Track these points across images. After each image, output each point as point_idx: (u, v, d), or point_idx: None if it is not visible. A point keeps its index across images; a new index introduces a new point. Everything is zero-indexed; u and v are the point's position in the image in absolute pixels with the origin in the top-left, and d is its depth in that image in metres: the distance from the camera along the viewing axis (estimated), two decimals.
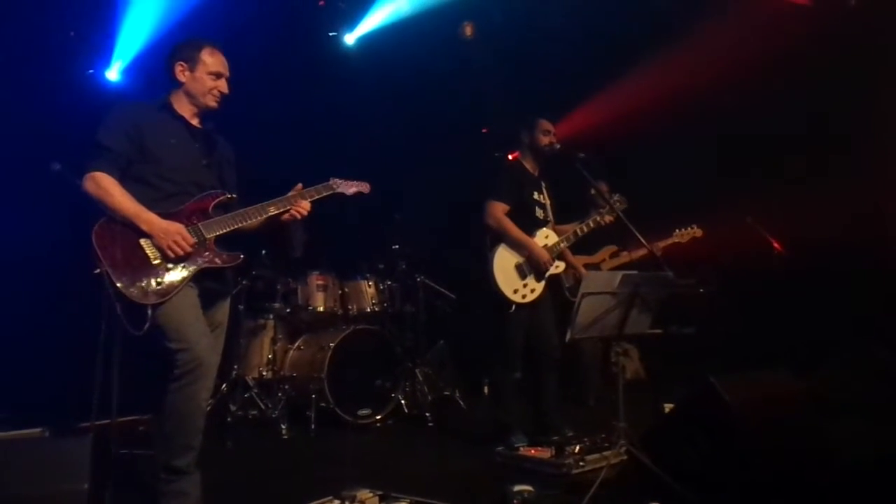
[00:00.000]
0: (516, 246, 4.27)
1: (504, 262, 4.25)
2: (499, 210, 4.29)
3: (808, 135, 5.99)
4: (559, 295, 4.93)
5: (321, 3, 6.84)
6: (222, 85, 3.10)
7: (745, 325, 6.12)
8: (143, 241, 2.81)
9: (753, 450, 2.83)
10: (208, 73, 3.06)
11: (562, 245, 4.38)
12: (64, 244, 3.86)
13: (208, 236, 2.94)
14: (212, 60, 3.07)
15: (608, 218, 4.35)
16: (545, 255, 4.25)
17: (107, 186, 2.83)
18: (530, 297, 4.27)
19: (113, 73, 5.95)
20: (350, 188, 3.37)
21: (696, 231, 5.16)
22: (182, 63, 3.07)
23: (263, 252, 5.48)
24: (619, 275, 3.38)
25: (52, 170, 3.87)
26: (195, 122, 3.13)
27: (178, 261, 2.84)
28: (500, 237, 4.28)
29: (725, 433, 2.88)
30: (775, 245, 5.58)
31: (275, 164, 5.21)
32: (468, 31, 7.02)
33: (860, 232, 5.52)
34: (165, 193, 2.94)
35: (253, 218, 3.05)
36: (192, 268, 2.87)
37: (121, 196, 2.83)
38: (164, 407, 2.82)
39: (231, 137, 3.32)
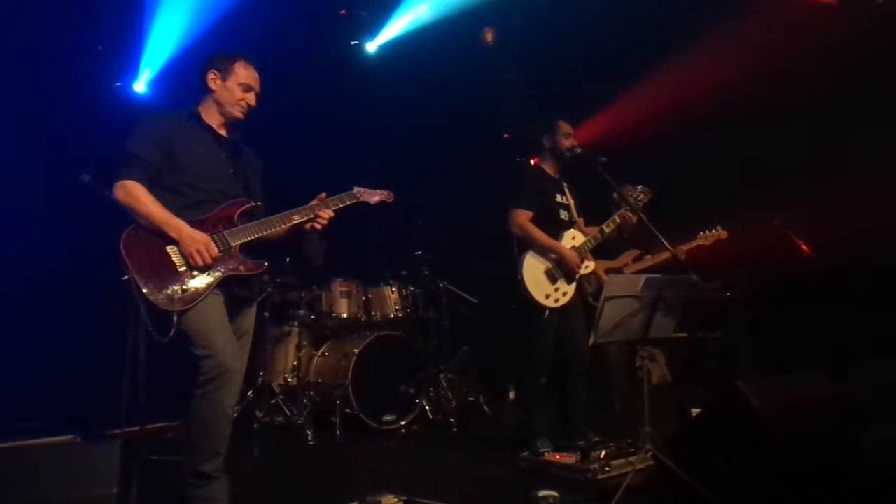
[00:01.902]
0: (544, 251, 4.27)
1: (533, 269, 4.24)
2: (523, 217, 4.29)
3: (836, 135, 5.90)
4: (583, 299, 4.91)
5: (343, 12, 6.90)
6: (250, 98, 3.16)
7: (773, 329, 6.04)
8: (169, 249, 2.86)
9: (781, 455, 2.79)
10: (239, 84, 3.13)
11: (590, 244, 4.36)
12: (93, 254, 3.94)
13: (233, 244, 2.98)
14: (244, 73, 3.15)
15: (633, 214, 4.32)
16: (575, 258, 4.24)
17: (137, 194, 2.88)
18: (563, 301, 4.26)
19: (140, 86, 6.06)
20: (373, 197, 3.39)
21: (721, 233, 5.10)
22: (215, 71, 3.15)
23: (287, 260, 5.53)
24: (643, 278, 3.36)
25: (81, 181, 3.95)
26: (222, 131, 3.19)
27: (203, 268, 2.88)
28: (527, 244, 4.28)
29: (753, 438, 2.83)
30: (803, 247, 5.50)
31: (298, 171, 5.27)
32: (489, 37, 7.04)
33: (889, 232, 5.41)
34: (192, 201, 2.99)
35: (277, 226, 3.09)
36: (216, 275, 2.91)
37: (150, 203, 2.88)
38: (190, 413, 2.85)
39: (254, 146, 3.37)
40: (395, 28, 7.03)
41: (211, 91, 3.15)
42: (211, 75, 3.15)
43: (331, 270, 5.74)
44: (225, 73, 3.14)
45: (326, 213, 3.17)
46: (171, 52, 5.87)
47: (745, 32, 5.91)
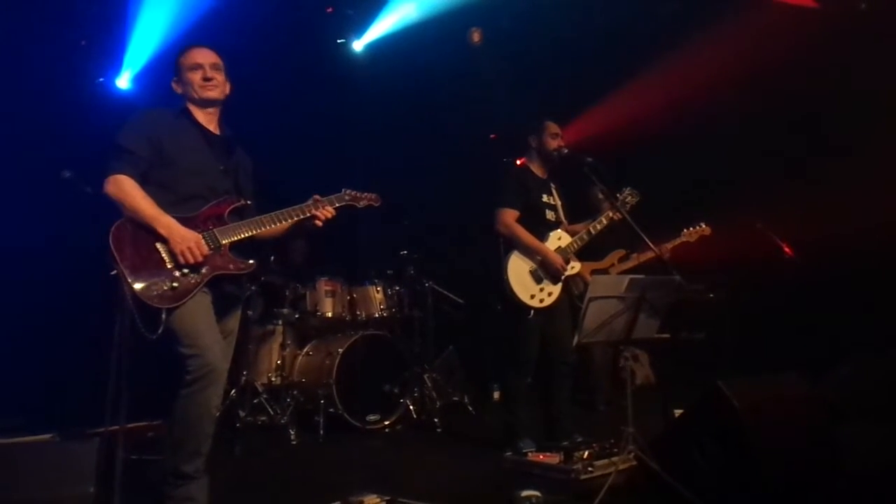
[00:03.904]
0: (529, 252, 4.27)
1: (518, 269, 4.24)
2: (509, 217, 4.28)
3: (819, 138, 5.95)
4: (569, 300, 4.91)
5: (329, 10, 6.87)
6: (204, 72, 3.08)
7: (756, 330, 6.08)
8: (158, 245, 2.83)
9: (763, 456, 2.80)
10: (188, 70, 3.09)
11: (576, 245, 4.36)
12: (74, 250, 3.90)
13: (223, 242, 2.95)
14: (187, 59, 3.11)
15: (619, 214, 4.33)
16: (559, 260, 4.24)
17: (128, 189, 2.85)
18: (548, 301, 4.26)
19: (123, 82, 6.01)
20: (361, 201, 3.38)
21: (705, 229, 5.13)
22: (175, 79, 3.16)
23: (272, 258, 5.50)
24: (626, 279, 3.37)
25: (63, 177, 3.90)
26: (212, 127, 3.16)
27: (191, 266, 2.85)
28: (513, 244, 4.28)
29: (734, 438, 2.85)
30: (786, 249, 5.54)
31: (283, 169, 5.24)
32: (476, 37, 7.03)
33: (871, 236, 5.47)
34: (181, 197, 2.96)
35: (267, 226, 3.07)
36: (205, 273, 2.88)
37: (141, 199, 2.85)
38: (174, 412, 2.83)
39: (241, 145, 3.34)
40: (382, 27, 7.01)
41: (180, 96, 3.14)
42: (173, 83, 3.16)
43: (316, 269, 5.71)
44: (177, 73, 3.13)
45: (328, 212, 3.16)
46: (154, 49, 5.83)
47: (729, 35, 5.94)
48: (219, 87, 3.11)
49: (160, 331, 2.73)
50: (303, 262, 5.87)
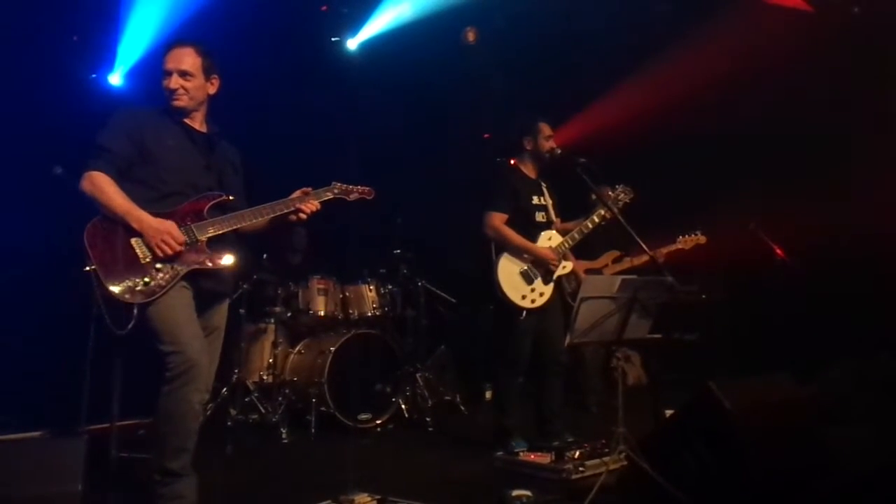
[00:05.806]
0: (518, 253, 4.27)
1: (509, 270, 4.24)
2: (497, 220, 4.28)
3: (811, 141, 5.97)
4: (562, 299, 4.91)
5: (324, 8, 6.85)
6: (169, 82, 3.04)
7: (748, 331, 6.10)
8: (133, 241, 2.82)
9: (753, 456, 2.81)
10: (162, 74, 3.06)
11: (567, 245, 4.36)
12: (64, 246, 3.86)
13: (200, 237, 2.93)
14: (163, 62, 3.07)
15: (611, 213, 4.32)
16: (549, 255, 4.24)
17: (101, 185, 2.85)
18: (539, 302, 4.26)
19: (115, 78, 5.97)
20: (352, 194, 3.36)
21: (700, 238, 5.15)
22: None
23: (265, 256, 5.48)
24: (618, 279, 3.38)
25: (53, 173, 3.88)
26: (197, 125, 3.14)
27: (167, 261, 2.83)
28: (502, 246, 4.27)
29: (725, 439, 2.86)
30: (778, 252, 5.56)
31: (276, 167, 5.22)
32: (470, 36, 7.03)
33: (862, 239, 5.50)
34: (161, 194, 2.95)
35: (249, 220, 3.04)
36: (181, 268, 2.86)
37: (114, 194, 2.84)
38: (157, 409, 2.81)
39: (233, 142, 3.33)
40: (376, 25, 6.99)
41: None
42: None
43: (308, 268, 5.70)
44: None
45: (312, 206, 3.15)
46: (148, 45, 5.78)
47: (724, 38, 5.96)
48: (185, 97, 3.05)
49: (130, 326, 2.72)
50: (306, 247, 5.82)
